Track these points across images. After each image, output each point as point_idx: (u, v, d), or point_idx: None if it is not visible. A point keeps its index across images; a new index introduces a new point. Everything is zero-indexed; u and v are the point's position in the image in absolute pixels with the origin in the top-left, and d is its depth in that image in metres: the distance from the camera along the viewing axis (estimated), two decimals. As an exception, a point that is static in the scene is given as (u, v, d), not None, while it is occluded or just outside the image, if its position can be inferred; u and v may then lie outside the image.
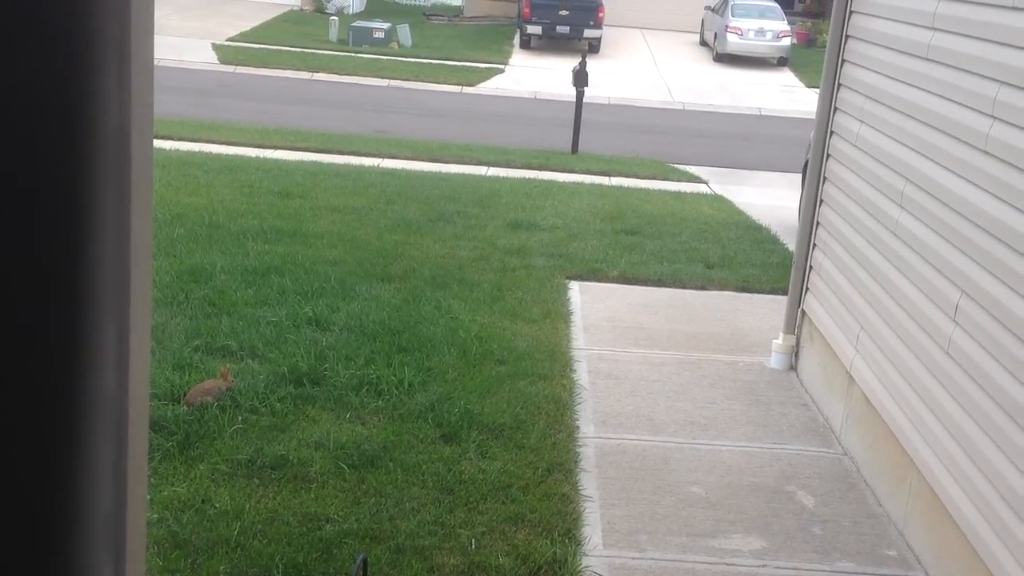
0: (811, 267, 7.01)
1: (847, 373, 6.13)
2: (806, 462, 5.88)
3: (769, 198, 13.27)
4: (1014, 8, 4.47)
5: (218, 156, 13.20)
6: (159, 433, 5.37)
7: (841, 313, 6.34)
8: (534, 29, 27.65)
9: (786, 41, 27.66)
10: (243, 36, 26.65)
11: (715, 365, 7.19)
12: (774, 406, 6.59)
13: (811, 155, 7.15)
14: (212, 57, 23.77)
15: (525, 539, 4.78)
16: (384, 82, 22.56)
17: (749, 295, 8.72)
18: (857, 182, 6.23)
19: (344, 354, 6.55)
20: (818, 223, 6.93)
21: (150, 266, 0.81)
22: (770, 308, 8.26)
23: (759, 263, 9.57)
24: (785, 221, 11.12)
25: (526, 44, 28.19)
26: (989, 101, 4.61)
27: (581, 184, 13.38)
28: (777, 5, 28.74)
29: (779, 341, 7.23)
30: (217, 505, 4.83)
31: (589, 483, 5.43)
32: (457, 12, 34.37)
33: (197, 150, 13.49)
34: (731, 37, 27.49)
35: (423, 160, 14.48)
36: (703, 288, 8.83)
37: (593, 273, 8.98)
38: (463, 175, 13.42)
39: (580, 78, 15.70)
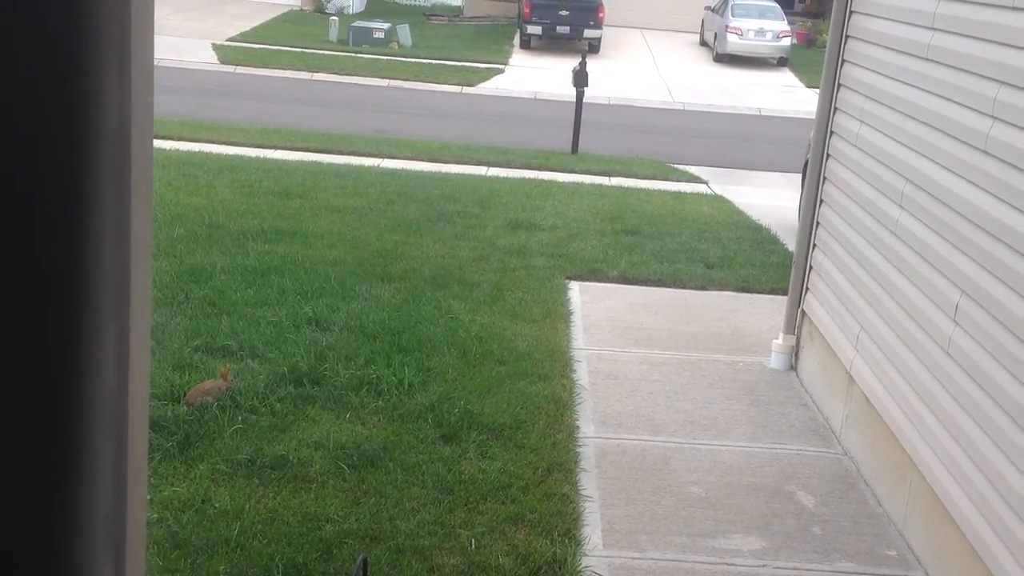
0: (811, 267, 7.01)
1: (847, 373, 6.13)
2: (806, 462, 5.88)
3: (769, 198, 13.27)
4: (1014, 8, 4.47)
5: (218, 156, 13.20)
6: (159, 433, 5.37)
7: (841, 313, 6.34)
8: (534, 29, 27.65)
9: (786, 41, 27.66)
10: (243, 36, 26.65)
11: (715, 365, 7.19)
12: (774, 406, 6.59)
13: (811, 155, 7.16)
14: (212, 57, 23.77)
15: (525, 539, 4.79)
16: (384, 82, 22.57)
17: (749, 295, 8.72)
18: (857, 182, 6.23)
19: (344, 354, 6.55)
20: (818, 223, 6.93)
21: (150, 266, 0.81)
22: (770, 308, 8.26)
23: (759, 263, 9.57)
24: (785, 221, 11.12)
25: (526, 44, 28.19)
26: (989, 101, 4.61)
27: (581, 184, 13.38)
28: (777, 5, 28.74)
29: (779, 341, 7.23)
30: (217, 505, 4.83)
31: (589, 483, 5.43)
32: (457, 12, 34.37)
33: (197, 150, 13.49)
34: (731, 37, 27.49)
35: (423, 160, 14.48)
36: (703, 288, 8.83)
37: (593, 273, 8.98)
38: (463, 175, 13.43)
39: (580, 78, 15.71)
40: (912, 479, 5.13)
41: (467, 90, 22.71)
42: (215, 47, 24.86)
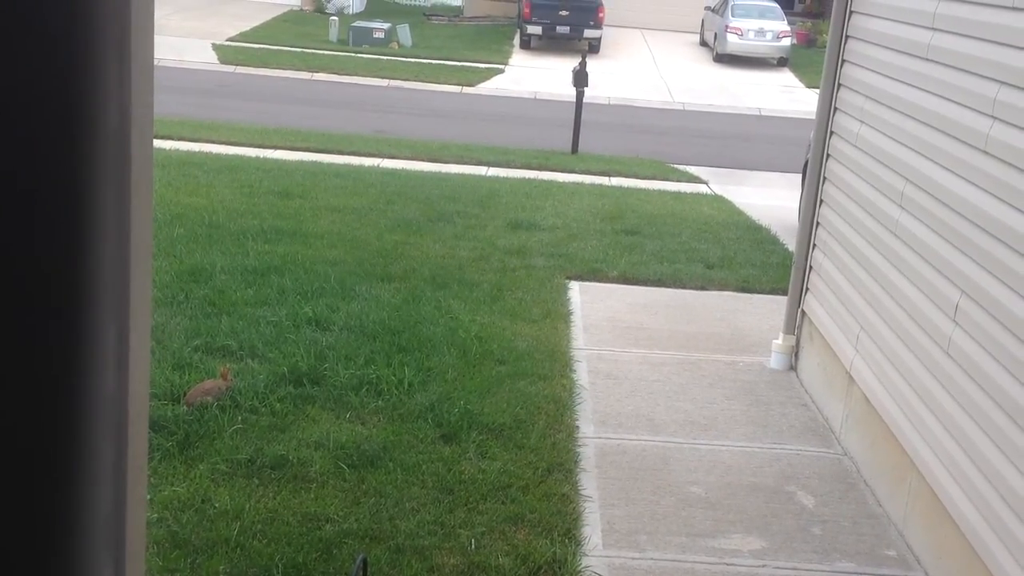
0: (811, 267, 7.01)
1: (847, 373, 6.13)
2: (806, 462, 5.88)
3: (769, 198, 13.27)
4: (1014, 8, 4.47)
5: (218, 156, 13.20)
6: (159, 433, 5.37)
7: (841, 313, 6.34)
8: (534, 29, 27.65)
9: (786, 41, 27.66)
10: (243, 36, 26.65)
11: (715, 365, 7.19)
12: (774, 406, 6.59)
13: (811, 155, 7.16)
14: (212, 57, 23.77)
15: (525, 539, 4.79)
16: (384, 82, 22.57)
17: (749, 295, 8.72)
18: (857, 182, 6.23)
19: (344, 354, 6.55)
20: (818, 223, 6.93)
21: (150, 266, 0.81)
22: (770, 308, 8.26)
23: (759, 263, 9.57)
24: (785, 221, 11.13)
25: (526, 44, 28.19)
26: (989, 101, 4.61)
27: (581, 184, 13.38)
28: (777, 5, 28.74)
29: (779, 341, 7.23)
30: (217, 505, 4.83)
31: (589, 483, 5.43)
32: (457, 12, 34.37)
33: (197, 150, 13.49)
34: (731, 37, 27.50)
35: (423, 160, 14.48)
36: (703, 288, 8.83)
37: (593, 273, 8.98)
38: (463, 175, 13.43)
39: (580, 78, 15.71)
40: (912, 479, 5.13)
41: (467, 90, 22.71)
42: (215, 47, 24.86)
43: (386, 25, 26.90)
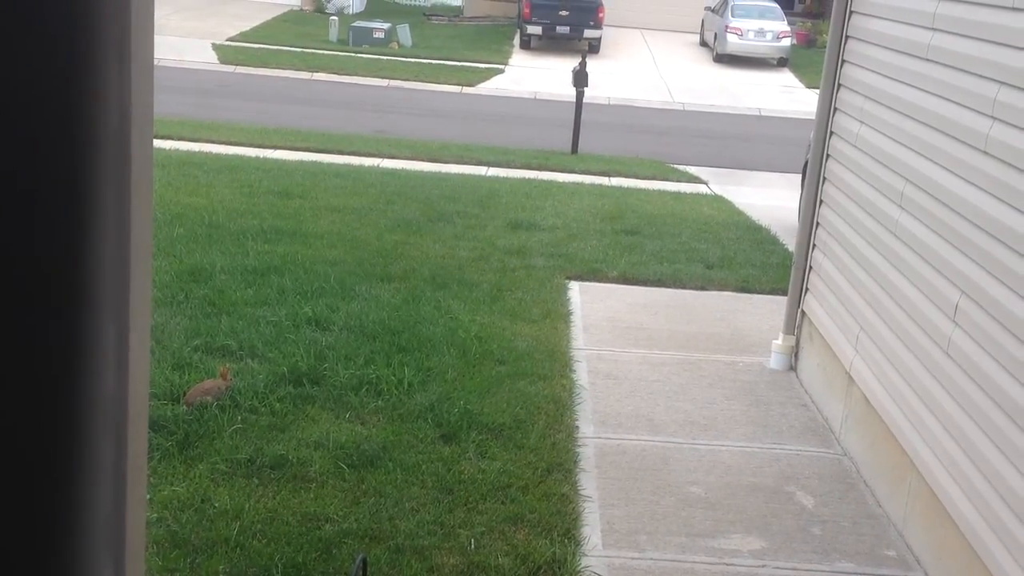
0: (811, 267, 7.01)
1: (847, 373, 6.13)
2: (806, 462, 5.88)
3: (769, 198, 13.27)
4: (1014, 8, 4.47)
5: (218, 156, 13.20)
6: (159, 433, 5.37)
7: (841, 313, 6.34)
8: (534, 29, 27.65)
9: (786, 42, 27.66)
10: (243, 36, 26.65)
11: (715, 365, 7.19)
12: (774, 406, 6.59)
13: (811, 155, 7.16)
14: (212, 57, 23.77)
15: (524, 539, 4.79)
16: (384, 82, 22.57)
17: (749, 295, 8.72)
18: (857, 182, 6.23)
19: (344, 354, 6.55)
20: (818, 223, 6.93)
21: (150, 266, 0.81)
22: (770, 308, 8.26)
23: (759, 263, 9.57)
24: (785, 221, 11.13)
25: (526, 44, 28.19)
26: (989, 101, 4.61)
27: (581, 184, 13.38)
28: (777, 6, 28.74)
29: (779, 341, 7.23)
30: (216, 505, 4.83)
31: (588, 483, 5.43)
32: (457, 12, 34.37)
33: (197, 150, 13.49)
34: (731, 37, 27.49)
35: (423, 160, 14.48)
36: (703, 288, 8.83)
37: (593, 273, 8.98)
38: (463, 175, 13.43)
39: (580, 78, 15.71)
40: (911, 479, 5.13)
41: (467, 90, 22.71)
42: (215, 47, 24.86)
43: (386, 25, 26.89)
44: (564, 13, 27.39)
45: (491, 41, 29.12)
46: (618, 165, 15.09)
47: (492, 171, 14.12)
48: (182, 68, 21.66)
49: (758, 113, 22.13)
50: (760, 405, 6.59)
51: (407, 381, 6.23)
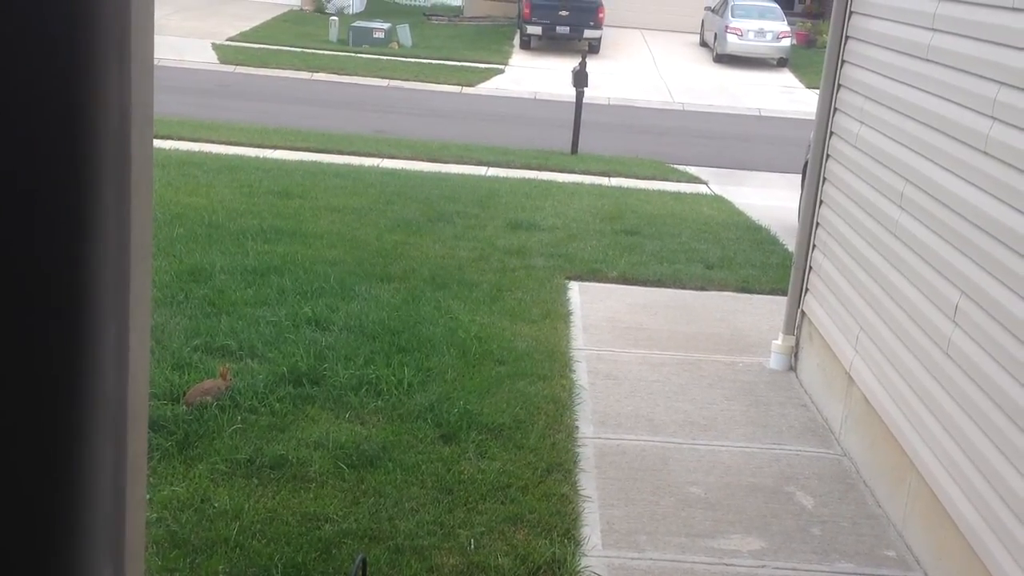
0: (810, 268, 7.01)
1: (846, 374, 6.13)
2: (805, 463, 5.88)
3: (769, 199, 13.27)
4: (1014, 8, 4.47)
5: (218, 156, 13.20)
6: (158, 433, 5.37)
7: (840, 314, 6.34)
8: (534, 29, 27.65)
9: (786, 42, 27.66)
10: (243, 36, 26.66)
11: (715, 365, 7.19)
12: (773, 407, 6.59)
13: (811, 156, 7.16)
14: (212, 57, 23.77)
15: (524, 539, 4.79)
16: (384, 82, 22.57)
17: (749, 295, 8.72)
18: (857, 183, 6.23)
19: (343, 354, 6.55)
20: (818, 224, 6.93)
21: (150, 266, 0.81)
22: (770, 309, 8.26)
23: (759, 264, 9.57)
24: (785, 221, 11.13)
25: (526, 44, 28.20)
26: (989, 102, 4.61)
27: (581, 184, 13.38)
28: (777, 6, 28.74)
29: (779, 342, 7.23)
30: (216, 505, 4.83)
31: (588, 483, 5.43)
32: (457, 12, 34.37)
33: (197, 150, 13.49)
34: (731, 38, 27.50)
35: (423, 160, 14.48)
36: (703, 288, 8.83)
37: (593, 273, 8.98)
38: (463, 175, 13.43)
39: (580, 78, 15.71)
40: (911, 480, 5.13)
41: (467, 90, 22.71)
42: (215, 47, 24.86)
43: (386, 25, 26.89)
44: (564, 13, 27.39)
45: (491, 41, 29.12)
46: (618, 165, 15.09)
47: (492, 171, 14.12)
48: (182, 68, 21.66)
49: (758, 113, 22.13)
50: (760, 405, 6.59)
51: (407, 381, 6.23)
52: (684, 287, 8.84)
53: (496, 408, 6.03)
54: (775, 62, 27.80)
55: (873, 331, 5.77)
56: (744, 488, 5.53)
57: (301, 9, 32.19)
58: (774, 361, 7.23)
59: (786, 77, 26.57)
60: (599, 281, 8.84)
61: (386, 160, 14.28)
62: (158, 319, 6.85)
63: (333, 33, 26.84)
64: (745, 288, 8.86)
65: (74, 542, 0.73)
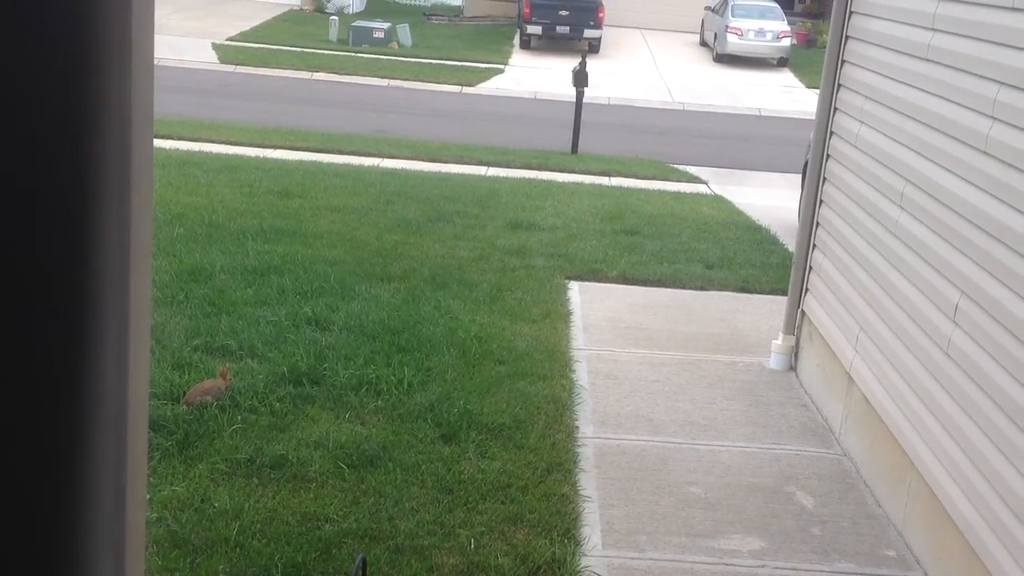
0: (811, 268, 7.01)
1: (846, 374, 6.13)
2: (805, 463, 5.88)
3: (769, 198, 13.27)
4: (1014, 8, 4.47)
5: (218, 156, 13.20)
6: (158, 433, 5.37)
7: (840, 314, 6.34)
8: (534, 29, 27.65)
9: (786, 42, 27.66)
10: (243, 36, 26.65)
11: (715, 365, 7.19)
12: (773, 407, 6.59)
13: (811, 156, 7.16)
14: (212, 57, 23.77)
15: (524, 539, 4.79)
16: (384, 82, 22.57)
17: (749, 295, 8.72)
18: (857, 183, 6.23)
19: (343, 354, 6.55)
20: (818, 224, 6.93)
21: (150, 266, 0.81)
22: (770, 308, 8.26)
23: (759, 263, 9.57)
24: (785, 221, 11.13)
25: (526, 44, 28.19)
26: (989, 102, 4.61)
27: (581, 184, 13.38)
28: (777, 6, 28.74)
29: (778, 342, 7.23)
30: (216, 504, 4.83)
31: (588, 483, 5.43)
32: (457, 12, 34.37)
33: (197, 150, 13.49)
34: (731, 37, 27.49)
35: (423, 160, 14.48)
36: (703, 288, 8.83)
37: (593, 273, 8.98)
38: (463, 175, 13.43)
39: (580, 78, 15.70)
40: (911, 480, 5.13)
41: (467, 90, 22.71)
42: (215, 47, 24.86)
43: (386, 25, 26.89)
44: (564, 13, 27.39)
45: (491, 41, 29.12)
46: (618, 165, 15.09)
47: (492, 171, 14.12)
48: (182, 68, 21.66)
49: (758, 113, 22.13)
50: (760, 405, 6.59)
51: (407, 381, 6.23)
52: (684, 287, 8.84)
53: (496, 408, 6.03)
54: (775, 62, 27.80)
55: (873, 331, 5.77)
56: (744, 488, 5.53)
57: (301, 9, 32.19)
58: (774, 361, 7.23)
59: (786, 77, 26.57)
60: (599, 281, 8.84)
61: (386, 160, 14.29)
62: (158, 319, 6.85)
63: (333, 33, 26.84)
64: (745, 288, 8.86)
65: (74, 542, 0.73)
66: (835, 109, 6.73)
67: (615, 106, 21.66)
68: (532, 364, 6.76)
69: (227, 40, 25.89)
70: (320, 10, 31.44)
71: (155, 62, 0.82)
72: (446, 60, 25.38)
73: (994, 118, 4.56)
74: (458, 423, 5.77)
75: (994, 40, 4.63)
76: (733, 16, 27.67)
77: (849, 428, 6.07)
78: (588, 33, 27.72)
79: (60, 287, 0.71)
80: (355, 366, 6.39)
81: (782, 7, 29.11)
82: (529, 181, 13.25)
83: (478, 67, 24.92)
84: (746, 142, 18.53)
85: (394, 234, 9.62)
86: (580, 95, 15.80)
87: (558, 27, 27.53)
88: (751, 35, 27.48)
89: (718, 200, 13.13)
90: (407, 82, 22.63)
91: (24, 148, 0.69)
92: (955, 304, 4.77)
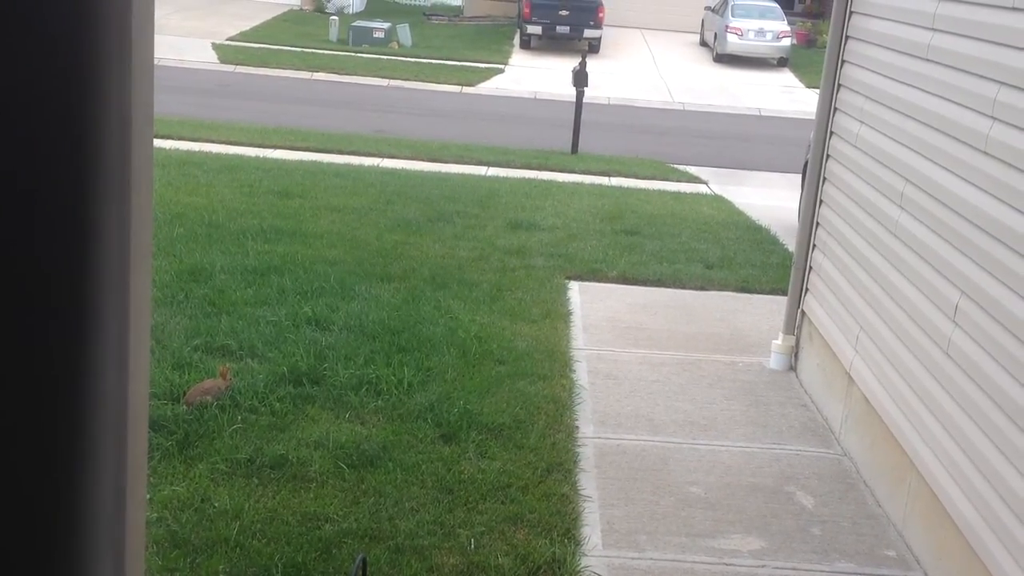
0: (811, 268, 7.01)
1: (846, 374, 6.13)
2: (805, 463, 5.88)
3: (769, 198, 13.27)
4: (1014, 8, 4.47)
5: (218, 156, 13.20)
6: (158, 432, 5.37)
7: (840, 314, 6.34)
8: (534, 29, 27.65)
9: (786, 41, 27.66)
10: (243, 36, 26.66)
11: (715, 365, 7.19)
12: (773, 406, 6.59)
13: (811, 156, 7.16)
14: (212, 57, 23.77)
15: (524, 539, 4.79)
16: (384, 82, 22.57)
17: (749, 295, 8.72)
18: (857, 183, 6.23)
19: (344, 354, 6.55)
20: (818, 224, 6.93)
21: (150, 266, 0.81)
22: (770, 308, 8.26)
23: (759, 263, 9.57)
24: (785, 221, 11.13)
25: (526, 44, 28.20)
26: (989, 102, 4.61)
27: (581, 184, 13.38)
28: (777, 5, 28.74)
29: (779, 342, 7.23)
30: (216, 504, 4.83)
31: (588, 483, 5.43)
32: (457, 12, 34.37)
33: (197, 149, 13.49)
34: (731, 37, 27.49)
35: (423, 160, 14.48)
36: (703, 288, 8.83)
37: (593, 273, 8.98)
38: (463, 175, 13.43)
39: (580, 78, 15.71)
40: (911, 480, 5.13)
41: (467, 90, 22.71)
42: (215, 46, 24.86)
43: (386, 25, 26.89)
44: (564, 13, 27.39)
45: (491, 41, 29.12)
46: (618, 165, 15.09)
47: (492, 171, 14.12)
48: (182, 68, 21.66)
49: (758, 113, 22.13)
50: (760, 405, 6.59)
51: (407, 381, 6.23)
52: (684, 287, 8.84)
53: (496, 408, 6.03)
54: (775, 62, 27.80)
55: (873, 331, 5.77)
56: (744, 488, 5.53)
57: (301, 9, 32.19)
58: (774, 361, 7.23)
59: (786, 77, 26.57)
60: (599, 281, 8.84)
61: (386, 160, 14.29)
62: (158, 319, 6.85)
63: (333, 33, 26.84)
64: (745, 288, 8.86)
65: (75, 542, 0.73)
66: (835, 109, 6.73)
67: (615, 106, 21.66)
68: (532, 364, 6.76)
69: (227, 40, 25.89)
70: (320, 10, 31.44)
71: (155, 62, 0.82)
72: (446, 60, 25.39)
73: (994, 118, 4.56)
74: (458, 423, 5.77)
75: (994, 40, 4.63)
76: (733, 16, 27.67)
77: (849, 428, 6.07)
78: (588, 33, 27.72)
79: (60, 287, 0.71)
80: (355, 366, 6.39)
81: (782, 7, 29.12)
82: (529, 181, 13.25)
83: (478, 67, 24.92)
84: (746, 142, 18.53)
85: (394, 234, 9.62)
86: (580, 95, 15.80)
87: (558, 27, 27.53)
88: (751, 35, 27.47)
89: (718, 200, 13.13)
90: (407, 82, 22.63)
91: (24, 148, 0.69)
92: (955, 304, 4.77)
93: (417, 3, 35.58)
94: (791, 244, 8.73)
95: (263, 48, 25.01)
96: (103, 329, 0.74)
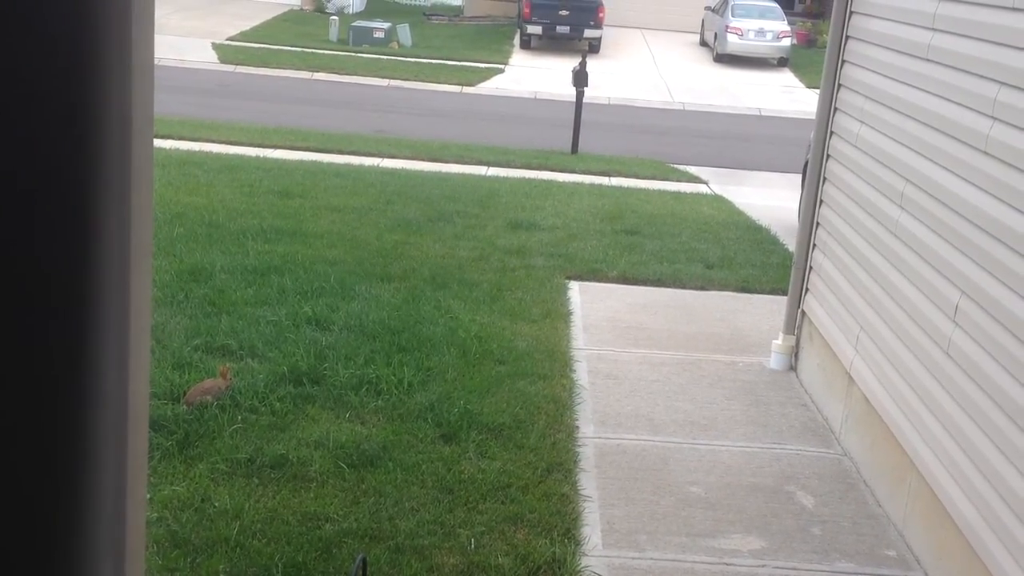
0: (811, 267, 7.01)
1: (847, 374, 6.13)
2: (806, 462, 5.88)
3: (769, 198, 13.27)
4: (1014, 8, 4.47)
5: (218, 155, 13.20)
6: (159, 432, 5.37)
7: (841, 314, 6.34)
8: (534, 29, 27.65)
9: (786, 41, 27.66)
10: (243, 35, 26.66)
11: (715, 365, 7.19)
12: (774, 406, 6.59)
13: (811, 155, 7.16)
14: (212, 56, 23.78)
15: (524, 539, 4.79)
16: (384, 82, 22.57)
17: (749, 295, 8.72)
18: (857, 183, 6.23)
19: (344, 354, 6.55)
20: (818, 223, 6.93)
21: (150, 266, 0.81)
22: (770, 308, 8.26)
23: (759, 263, 9.57)
24: (785, 221, 11.13)
25: (526, 44, 28.19)
26: (989, 102, 4.61)
27: (581, 184, 13.38)
28: (777, 5, 28.74)
29: (779, 341, 7.23)
30: (216, 504, 4.83)
31: (588, 483, 5.43)
32: (457, 12, 34.37)
33: (197, 149, 13.49)
34: (731, 37, 27.49)
35: (423, 160, 14.48)
36: (703, 288, 8.83)
37: (593, 273, 8.98)
38: (463, 175, 13.43)
39: (580, 78, 15.71)
40: (912, 480, 5.13)
41: (467, 90, 22.71)
42: (215, 46, 24.86)
43: (386, 25, 26.89)
44: (564, 13, 27.38)
45: (491, 41, 29.12)
46: (618, 165, 15.09)
47: (492, 171, 14.12)
48: (182, 68, 21.66)
49: (758, 113, 22.13)
50: (760, 405, 6.59)
51: (407, 381, 6.23)
52: (684, 287, 8.84)
53: (496, 408, 6.03)
54: (775, 62, 27.80)
55: (873, 331, 5.77)
56: (744, 488, 5.53)
57: (301, 9, 32.19)
58: (774, 361, 7.23)
59: (786, 77, 26.57)
60: (599, 281, 8.84)
61: (386, 160, 14.29)
62: (158, 319, 6.85)
63: (333, 33, 26.84)
64: (745, 288, 8.86)
65: (74, 542, 0.73)
66: (835, 109, 6.73)
67: (615, 106, 21.66)
68: (532, 364, 6.76)
69: (227, 40, 25.89)
70: (320, 10, 31.44)
71: (155, 62, 0.82)
72: (446, 60, 25.39)
73: (994, 118, 4.56)
74: (458, 423, 5.77)
75: (994, 40, 4.63)
76: (733, 16, 27.67)
77: (849, 428, 6.07)
78: (588, 33, 27.72)
79: (60, 287, 0.71)
80: (355, 366, 6.39)
81: (782, 7, 29.11)
82: (529, 181, 13.25)
83: (478, 67, 24.92)
84: (746, 142, 18.53)
85: (394, 234, 9.62)
86: (580, 95, 15.80)
87: (558, 27, 27.53)
88: (751, 35, 27.47)
89: (718, 200, 13.13)
90: (407, 82, 22.63)
91: (24, 148, 0.69)
92: (955, 304, 4.77)
93: (417, 3, 35.58)
94: (791, 244, 8.73)
95: (263, 48, 25.01)
96: (103, 329, 0.74)
